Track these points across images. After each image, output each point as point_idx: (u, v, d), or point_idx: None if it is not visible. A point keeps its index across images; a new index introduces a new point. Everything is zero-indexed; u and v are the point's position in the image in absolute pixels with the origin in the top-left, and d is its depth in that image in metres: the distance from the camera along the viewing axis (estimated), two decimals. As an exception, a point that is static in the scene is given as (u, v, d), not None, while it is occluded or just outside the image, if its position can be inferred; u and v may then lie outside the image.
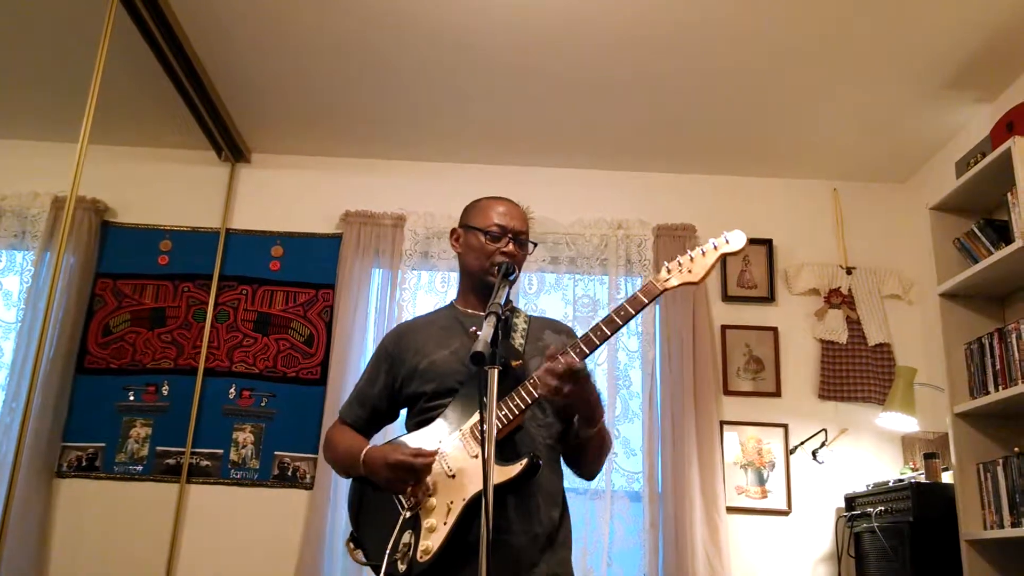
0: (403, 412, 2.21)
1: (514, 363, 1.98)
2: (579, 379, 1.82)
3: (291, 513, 3.92)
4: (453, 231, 2.23)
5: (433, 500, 1.88)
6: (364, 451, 2.01)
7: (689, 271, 1.90)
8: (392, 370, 2.15)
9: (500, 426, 1.86)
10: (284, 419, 4.08)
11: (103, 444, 4.05)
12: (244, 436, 4.07)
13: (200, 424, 4.06)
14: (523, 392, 1.88)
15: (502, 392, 1.87)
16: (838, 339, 4.16)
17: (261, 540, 3.90)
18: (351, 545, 2.01)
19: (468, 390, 1.98)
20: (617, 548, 3.85)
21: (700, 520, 3.78)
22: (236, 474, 4.02)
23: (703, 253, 1.90)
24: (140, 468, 4.03)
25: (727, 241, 1.90)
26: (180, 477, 3.99)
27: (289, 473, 4.01)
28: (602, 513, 3.86)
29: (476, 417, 1.91)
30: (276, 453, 4.04)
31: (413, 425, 2.08)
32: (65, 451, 4.03)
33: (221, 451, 4.04)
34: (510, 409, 1.88)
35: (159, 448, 4.05)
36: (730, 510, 3.90)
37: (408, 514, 1.90)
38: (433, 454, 1.92)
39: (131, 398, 4.12)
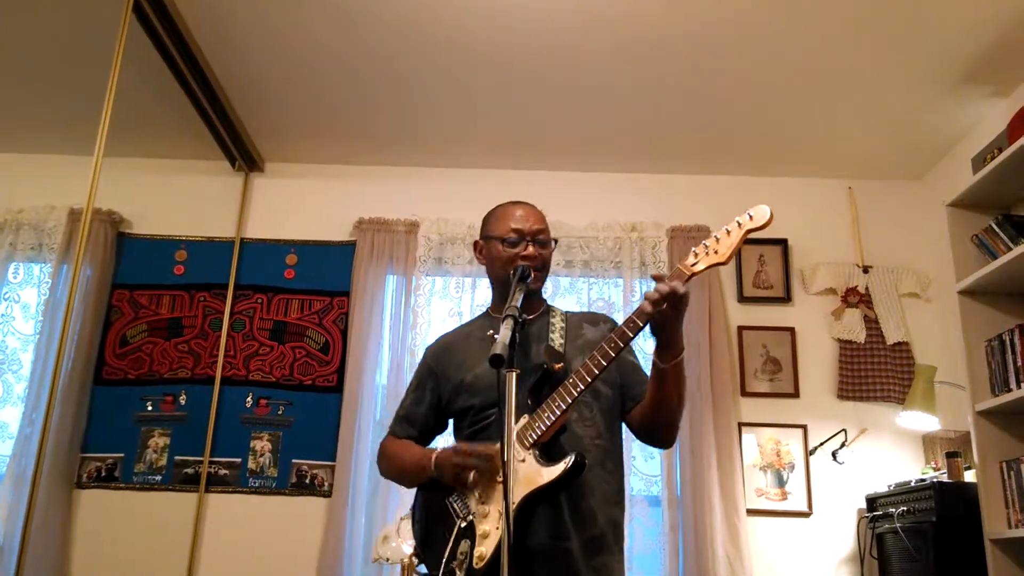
0: (451, 421, 2.22)
1: (556, 367, 1.96)
2: (679, 303, 1.82)
3: (310, 521, 3.92)
4: (476, 243, 2.23)
5: (486, 507, 1.89)
6: (435, 453, 2.01)
7: (715, 251, 1.84)
8: (437, 388, 2.18)
9: (543, 428, 1.86)
10: (301, 427, 4.10)
11: (122, 454, 4.07)
12: (262, 444, 4.08)
13: (218, 433, 4.08)
14: (564, 392, 1.87)
15: (547, 395, 1.89)
16: (856, 338, 4.13)
17: (280, 548, 3.91)
18: (415, 559, 2.03)
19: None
20: (637, 552, 3.83)
21: (720, 523, 3.76)
22: (254, 482, 4.03)
23: (727, 232, 1.83)
24: (159, 478, 4.05)
25: (751, 217, 1.82)
26: (199, 486, 4.00)
27: (307, 481, 4.02)
28: (621, 517, 3.84)
29: (522, 422, 1.90)
30: (294, 461, 4.05)
31: (464, 439, 2.09)
32: (84, 462, 4.06)
33: (239, 460, 4.06)
34: (552, 411, 1.87)
35: (177, 457, 4.07)
36: (750, 512, 3.88)
37: (463, 523, 1.91)
38: (494, 446, 1.89)
39: (149, 408, 4.15)
